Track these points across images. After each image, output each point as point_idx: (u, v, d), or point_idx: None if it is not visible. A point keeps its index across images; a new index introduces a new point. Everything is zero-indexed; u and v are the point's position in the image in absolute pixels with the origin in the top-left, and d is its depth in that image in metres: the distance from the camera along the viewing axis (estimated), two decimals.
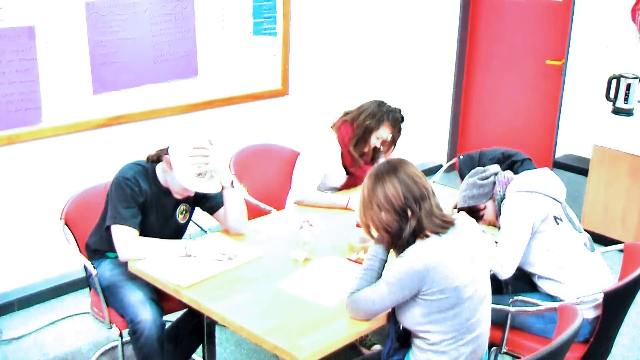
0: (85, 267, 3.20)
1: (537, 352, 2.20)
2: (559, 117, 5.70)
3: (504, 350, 3.03)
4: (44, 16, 3.84)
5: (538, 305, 2.91)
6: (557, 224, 2.97)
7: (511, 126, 6.22)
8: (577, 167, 5.37)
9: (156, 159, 3.11)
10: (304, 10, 5.18)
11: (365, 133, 3.73)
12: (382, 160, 3.33)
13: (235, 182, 3.17)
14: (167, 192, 3.10)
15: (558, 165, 5.48)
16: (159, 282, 2.83)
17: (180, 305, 2.99)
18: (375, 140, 3.76)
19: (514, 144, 5.18)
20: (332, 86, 5.55)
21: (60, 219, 3.29)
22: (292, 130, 5.21)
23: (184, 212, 3.23)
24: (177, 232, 3.25)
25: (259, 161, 4.08)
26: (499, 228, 3.03)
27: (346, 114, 3.84)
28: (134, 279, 3.00)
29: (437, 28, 6.29)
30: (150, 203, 3.07)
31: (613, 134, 4.96)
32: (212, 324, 3.06)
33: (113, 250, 3.00)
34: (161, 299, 3.05)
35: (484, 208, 3.13)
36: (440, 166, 6.34)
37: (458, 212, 3.19)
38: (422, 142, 6.50)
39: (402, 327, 2.53)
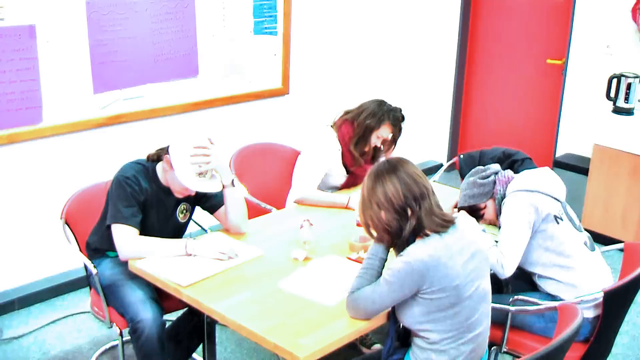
0: (85, 266, 3.20)
1: (538, 351, 2.20)
2: (560, 117, 5.70)
3: (504, 349, 3.04)
4: (45, 15, 3.85)
5: (538, 304, 2.91)
6: (558, 223, 2.97)
7: (512, 125, 6.22)
8: (577, 167, 5.37)
9: (156, 158, 3.11)
10: (305, 10, 5.18)
11: (365, 132, 3.73)
12: (382, 159, 3.33)
13: (236, 181, 3.17)
14: (167, 191, 3.10)
15: (558, 164, 5.48)
16: (160, 281, 2.83)
17: (181, 304, 2.99)
18: (375, 140, 3.76)
19: (515, 143, 5.18)
20: (333, 85, 5.55)
21: (61, 218, 3.30)
22: (293, 130, 5.21)
23: (185, 211, 3.24)
24: (177, 231, 3.25)
25: (259, 160, 4.08)
26: (499, 227, 3.03)
27: (347, 113, 3.84)
28: (134, 278, 3.00)
29: (438, 27, 6.29)
30: (151, 202, 3.07)
31: (613, 133, 4.96)
32: (213, 323, 3.06)
33: (113, 249, 3.00)
34: (161, 298, 3.05)
35: (485, 207, 3.13)
36: (441, 165, 6.34)
37: (458, 211, 3.19)
38: (423, 141, 6.50)
39: (402, 326, 2.53)
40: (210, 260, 2.92)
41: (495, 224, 3.15)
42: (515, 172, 3.16)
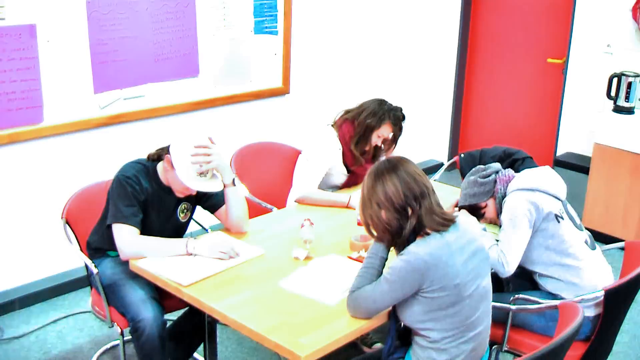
0: (86, 266, 3.20)
1: (538, 350, 2.20)
2: (560, 116, 5.70)
3: (505, 348, 3.04)
4: (45, 15, 3.85)
5: (539, 303, 2.91)
6: (558, 222, 2.97)
7: (512, 124, 6.22)
8: (578, 166, 5.37)
9: (157, 157, 3.11)
10: (305, 9, 5.18)
11: (366, 131, 3.73)
12: (382, 158, 3.33)
13: (237, 180, 3.17)
14: (168, 190, 3.10)
15: (559, 163, 5.48)
16: (160, 281, 2.83)
17: (182, 303, 2.99)
18: (376, 139, 3.76)
19: (515, 142, 5.18)
20: (333, 85, 5.55)
21: (62, 217, 3.30)
22: (293, 129, 5.21)
23: (185, 210, 3.24)
24: (178, 230, 3.26)
25: (260, 160, 4.08)
26: (500, 226, 3.03)
27: (347, 112, 3.84)
28: (135, 277, 3.00)
29: (438, 26, 6.29)
30: (151, 202, 3.07)
31: (614, 132, 4.96)
32: (214, 322, 3.06)
33: (114, 248, 3.00)
34: (162, 298, 3.05)
35: (485, 206, 3.13)
36: (441, 164, 6.34)
37: (459, 210, 3.19)
38: (423, 141, 6.51)
39: (403, 325, 2.53)
40: (211, 260, 2.92)
41: (496, 222, 3.15)
42: (516, 171, 3.16)
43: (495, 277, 2.78)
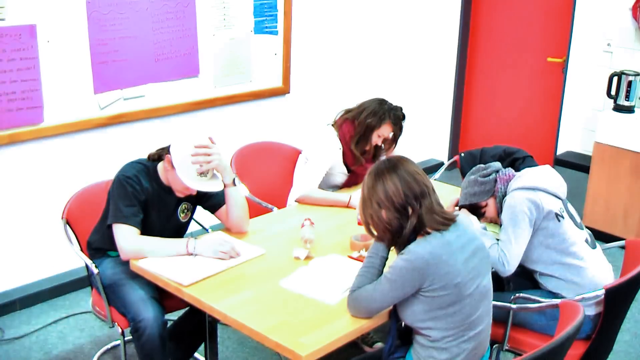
0: (86, 266, 3.20)
1: (539, 349, 2.20)
2: (560, 115, 5.70)
3: (505, 347, 3.04)
4: (45, 15, 3.85)
5: (540, 302, 2.91)
6: (559, 221, 2.97)
7: (512, 124, 6.22)
8: (578, 164, 5.37)
9: (157, 157, 3.11)
10: (305, 9, 5.18)
11: (366, 131, 3.73)
12: (383, 158, 3.33)
13: (237, 180, 3.17)
14: (168, 190, 3.10)
15: (559, 162, 5.48)
16: (161, 281, 2.83)
17: (182, 303, 2.99)
18: (376, 139, 3.76)
19: (515, 142, 5.18)
20: (333, 84, 5.55)
21: (62, 217, 3.30)
22: (294, 129, 5.22)
23: (186, 210, 3.24)
24: (178, 230, 3.26)
25: (260, 159, 4.08)
26: (501, 225, 3.03)
27: (347, 112, 3.84)
28: (136, 277, 3.00)
29: (438, 26, 6.29)
30: (152, 201, 3.07)
31: (614, 131, 4.96)
32: (214, 322, 3.06)
33: (114, 248, 3.00)
34: (163, 298, 3.05)
35: (486, 205, 3.13)
36: (442, 164, 6.34)
37: (459, 209, 3.19)
38: (424, 140, 6.51)
39: (404, 324, 2.53)
40: (212, 260, 2.92)
41: (496, 222, 3.15)
42: (516, 170, 3.16)
43: (495, 276, 2.78)
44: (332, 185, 3.89)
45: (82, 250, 3.28)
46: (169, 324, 3.25)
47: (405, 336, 2.59)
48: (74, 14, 3.96)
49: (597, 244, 3.15)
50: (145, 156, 3.15)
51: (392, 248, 2.50)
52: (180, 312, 3.35)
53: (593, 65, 5.40)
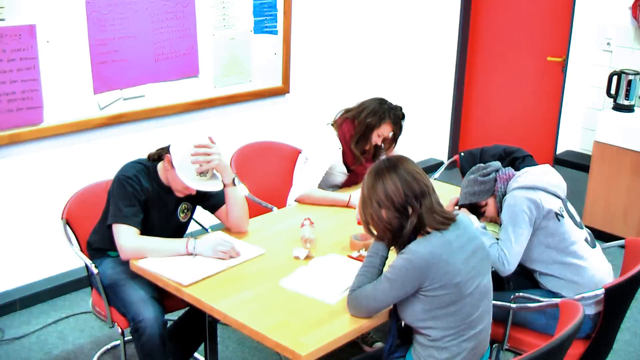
0: (86, 266, 3.20)
1: (539, 348, 2.20)
2: (560, 114, 5.70)
3: (505, 346, 3.04)
4: (45, 15, 3.85)
5: (539, 301, 2.91)
6: (559, 220, 2.97)
7: (512, 123, 6.22)
8: (578, 164, 5.37)
9: (157, 157, 3.11)
10: (305, 8, 5.18)
11: (366, 131, 3.73)
12: (383, 157, 3.32)
13: (237, 180, 3.17)
14: (168, 190, 3.10)
15: (559, 161, 5.48)
16: (161, 281, 2.83)
17: (182, 303, 2.99)
18: (376, 138, 3.76)
19: (515, 141, 5.18)
20: (333, 84, 5.55)
21: (62, 217, 3.30)
22: (293, 128, 5.21)
23: (186, 210, 3.24)
24: (178, 230, 3.26)
25: (260, 159, 4.08)
26: (500, 225, 3.03)
27: (347, 111, 3.84)
28: (136, 277, 3.00)
29: (438, 25, 6.29)
30: (152, 201, 3.07)
31: (614, 130, 4.96)
32: (214, 322, 3.06)
33: (114, 248, 3.00)
34: (163, 298, 3.05)
35: (486, 205, 3.13)
36: (442, 163, 6.33)
37: (459, 208, 3.19)
38: (424, 139, 6.51)
39: (404, 324, 2.53)
40: (212, 260, 2.92)
41: (496, 221, 3.15)
42: (516, 170, 3.16)
43: (495, 276, 2.78)
44: (332, 185, 3.89)
45: (82, 250, 3.28)
46: (169, 324, 3.25)
47: (405, 336, 2.59)
48: (74, 14, 3.96)
49: (597, 243, 3.15)
50: (145, 156, 3.15)
51: (392, 247, 2.50)
52: (180, 312, 3.35)
53: (593, 64, 5.40)
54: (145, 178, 3.06)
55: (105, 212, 3.09)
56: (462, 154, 4.19)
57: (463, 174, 4.00)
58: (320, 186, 3.75)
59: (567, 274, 2.98)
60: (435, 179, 4.03)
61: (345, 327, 2.50)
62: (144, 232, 3.01)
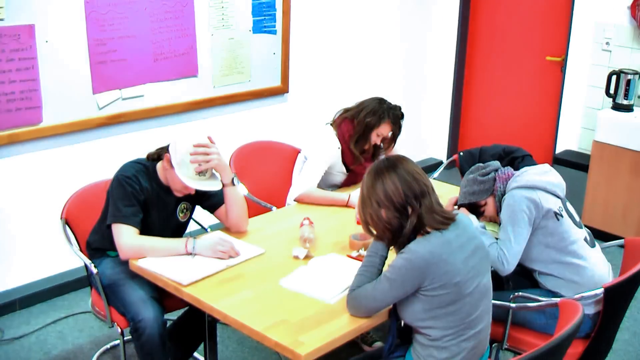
0: (86, 266, 3.20)
1: (539, 348, 2.20)
2: (559, 113, 5.70)
3: (505, 346, 3.04)
4: (44, 15, 3.84)
5: (539, 301, 2.91)
6: (558, 219, 2.97)
7: (511, 122, 6.22)
8: (577, 163, 5.37)
9: (156, 157, 3.11)
10: (304, 8, 5.18)
11: (365, 130, 3.73)
12: (382, 157, 3.32)
13: (236, 180, 3.17)
14: (167, 190, 3.10)
15: (558, 161, 5.48)
16: (160, 280, 2.83)
17: (182, 303, 2.99)
18: (375, 138, 3.76)
19: (514, 140, 5.18)
20: (332, 83, 5.55)
21: (61, 217, 3.30)
22: (293, 128, 5.21)
23: (185, 210, 3.24)
24: (177, 230, 3.26)
25: (259, 159, 4.08)
26: (500, 224, 3.03)
27: (346, 111, 3.84)
28: (135, 277, 3.00)
29: (437, 25, 6.29)
30: (151, 201, 3.07)
31: (613, 130, 4.96)
32: (214, 321, 3.06)
33: (114, 248, 3.00)
34: (162, 297, 3.05)
35: (485, 204, 3.13)
36: (441, 163, 6.34)
37: (459, 208, 3.19)
38: (423, 139, 6.51)
39: (403, 324, 2.53)
40: (211, 259, 2.92)
41: (495, 220, 3.15)
42: (515, 169, 3.16)
43: (495, 275, 2.78)
44: (331, 185, 3.89)
45: (81, 250, 3.28)
46: (169, 323, 3.25)
47: (405, 335, 2.59)
48: (73, 13, 3.96)
49: (596, 243, 3.15)
50: (144, 156, 3.15)
51: (391, 247, 2.50)
52: (180, 312, 3.35)
53: (592, 64, 5.40)
54: (145, 178, 3.06)
55: (104, 212, 3.09)
56: (462, 153, 4.19)
57: (462, 173, 4.00)
58: (320, 186, 3.75)
59: (567, 274, 2.98)
60: (434, 178, 4.03)
61: (344, 326, 2.50)
62: (144, 231, 3.01)
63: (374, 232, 2.47)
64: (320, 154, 3.75)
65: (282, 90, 5.18)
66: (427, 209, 2.38)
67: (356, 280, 2.52)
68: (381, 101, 3.78)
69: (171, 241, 2.98)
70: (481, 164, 3.20)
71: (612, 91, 5.05)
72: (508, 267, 2.94)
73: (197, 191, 3.08)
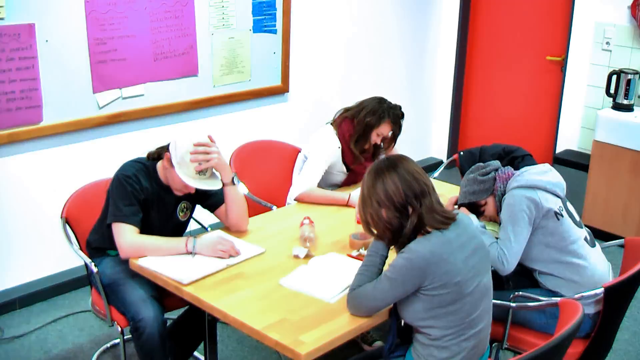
0: (86, 265, 3.20)
1: (539, 347, 2.20)
2: (559, 113, 5.70)
3: (505, 346, 3.04)
4: (44, 14, 3.84)
5: (539, 300, 2.91)
6: (558, 219, 2.97)
7: (511, 122, 6.22)
8: (577, 163, 5.37)
9: (157, 156, 3.11)
10: (304, 7, 5.18)
11: (365, 130, 3.73)
12: (382, 157, 3.32)
13: (236, 179, 3.17)
14: (167, 189, 3.10)
15: (558, 160, 5.48)
16: (160, 280, 2.83)
17: (182, 302, 2.99)
18: (375, 137, 3.77)
19: (515, 140, 5.18)
20: (333, 83, 5.55)
21: (61, 216, 3.30)
22: (293, 127, 5.21)
23: (185, 209, 3.24)
24: (178, 229, 3.26)
25: (259, 158, 4.08)
26: (500, 224, 3.03)
27: (346, 110, 3.84)
28: (135, 276, 3.00)
29: (437, 24, 6.29)
30: (151, 201, 3.07)
31: (613, 129, 4.96)
32: (214, 321, 3.06)
33: (114, 247, 3.00)
34: (162, 297, 3.05)
35: (485, 204, 3.13)
36: (441, 162, 6.34)
37: (459, 208, 3.19)
38: (423, 139, 6.50)
39: (404, 323, 2.53)
40: (211, 258, 2.92)
41: (495, 220, 3.15)
42: (515, 169, 3.16)
43: (495, 275, 2.78)
44: (331, 184, 3.90)
45: (81, 249, 3.28)
46: (169, 322, 3.25)
47: (405, 334, 2.59)
48: (73, 13, 3.96)
49: (597, 243, 3.15)
50: (144, 155, 3.15)
51: (392, 247, 2.50)
52: (180, 311, 3.35)
53: (592, 63, 5.40)
54: (145, 177, 3.06)
55: (104, 211, 3.09)
56: (462, 153, 4.19)
57: (462, 173, 4.00)
58: (320, 185, 3.75)
59: (567, 273, 2.98)
60: (434, 178, 4.04)
61: (345, 326, 2.50)
62: (144, 231, 3.01)
63: (375, 231, 2.47)
64: (321, 153, 3.75)
65: (282, 89, 5.18)
66: (428, 208, 2.38)
67: (356, 279, 2.52)
68: (381, 101, 3.78)
69: (171, 240, 2.98)
70: (481, 164, 3.20)
71: (612, 91, 5.05)
72: (508, 266, 2.94)
73: (197, 190, 3.08)
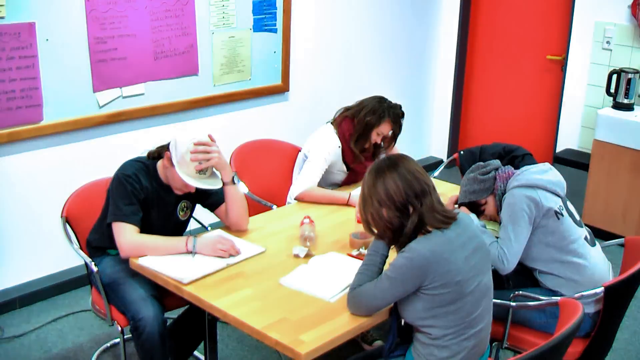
0: (86, 264, 3.20)
1: (539, 347, 2.20)
2: (560, 112, 5.70)
3: (505, 345, 3.04)
4: (44, 13, 3.84)
5: (539, 300, 2.91)
6: (558, 218, 2.97)
7: (512, 121, 6.22)
8: (577, 162, 5.37)
9: (157, 155, 3.11)
10: (305, 6, 5.18)
11: (366, 129, 3.73)
12: (382, 156, 3.32)
13: (236, 178, 3.17)
14: (167, 188, 3.10)
15: (558, 160, 5.48)
16: (160, 279, 2.83)
17: (182, 301, 2.99)
18: (376, 137, 3.77)
19: (515, 139, 5.18)
20: (333, 82, 5.55)
21: (62, 216, 3.30)
22: (293, 127, 5.21)
23: (185, 208, 3.24)
24: (178, 228, 3.25)
25: (259, 157, 4.08)
26: (500, 223, 3.03)
27: (347, 109, 3.84)
28: (135, 275, 3.00)
29: (438, 23, 6.28)
30: (151, 200, 3.07)
31: (614, 128, 4.96)
32: (214, 320, 3.06)
33: (114, 247, 3.00)
34: (162, 296, 3.05)
35: (485, 203, 3.13)
36: (441, 161, 6.34)
37: (459, 207, 3.19)
38: (423, 138, 6.50)
39: (404, 322, 2.53)
40: (211, 258, 2.92)
41: (496, 219, 3.15)
42: (515, 168, 3.16)
43: (495, 274, 2.78)
44: (331, 183, 3.89)
45: (81, 248, 3.28)
46: (169, 322, 3.25)
47: (405, 334, 2.59)
48: (73, 12, 3.96)
49: (597, 242, 3.15)
50: (144, 154, 3.15)
51: (392, 246, 2.50)
52: (180, 311, 3.35)
53: (592, 62, 5.40)
54: (145, 176, 3.06)
55: (104, 211, 3.08)
56: (462, 152, 4.20)
57: (462, 172, 4.01)
58: (320, 184, 3.75)
59: (567, 273, 2.98)
60: (434, 177, 4.03)
61: (345, 325, 2.49)
62: (144, 230, 3.01)
63: (375, 231, 2.47)
64: (321, 152, 3.75)
65: (282, 88, 5.18)
66: (428, 208, 2.38)
67: (357, 278, 2.52)
68: (381, 100, 3.78)
69: (171, 240, 2.98)
70: (481, 163, 3.20)
71: (612, 90, 5.05)
72: (508, 266, 2.94)
73: (197, 190, 3.08)
